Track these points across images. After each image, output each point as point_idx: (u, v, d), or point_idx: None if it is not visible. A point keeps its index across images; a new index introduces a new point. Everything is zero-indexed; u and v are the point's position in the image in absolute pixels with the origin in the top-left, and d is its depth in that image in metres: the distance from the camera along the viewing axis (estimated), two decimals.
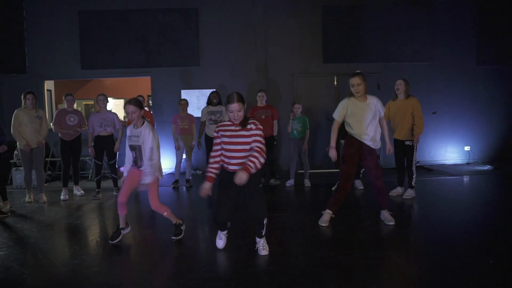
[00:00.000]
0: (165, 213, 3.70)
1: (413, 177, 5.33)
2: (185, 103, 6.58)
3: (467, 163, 8.50)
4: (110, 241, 3.70)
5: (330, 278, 2.87)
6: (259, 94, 6.41)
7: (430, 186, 6.29)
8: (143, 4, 7.92)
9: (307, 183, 6.39)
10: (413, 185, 5.36)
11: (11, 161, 7.19)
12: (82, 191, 6.12)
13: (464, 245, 3.53)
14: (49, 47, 7.97)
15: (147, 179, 3.45)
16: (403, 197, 5.38)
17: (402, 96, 5.25)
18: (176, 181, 6.62)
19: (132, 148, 3.57)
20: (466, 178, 6.94)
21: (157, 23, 7.94)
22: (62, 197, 5.83)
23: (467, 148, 8.56)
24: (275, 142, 6.57)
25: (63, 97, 6.06)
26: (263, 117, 6.25)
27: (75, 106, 11.00)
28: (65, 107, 6.03)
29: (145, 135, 3.44)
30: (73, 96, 6.12)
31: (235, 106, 3.00)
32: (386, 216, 4.16)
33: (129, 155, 3.64)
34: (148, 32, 7.95)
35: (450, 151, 8.59)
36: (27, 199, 5.65)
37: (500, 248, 3.41)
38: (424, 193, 5.73)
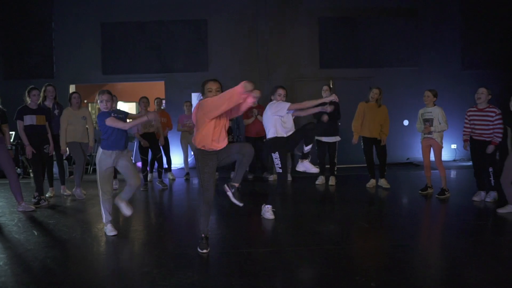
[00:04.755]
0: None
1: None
2: (190, 104, 7.54)
3: (454, 160, 9.24)
4: None
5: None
6: None
7: (408, 179, 7.08)
8: (158, 17, 8.86)
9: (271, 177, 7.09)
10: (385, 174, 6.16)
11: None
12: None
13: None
14: (74, 55, 8.93)
15: None
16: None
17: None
18: (187, 174, 7.55)
19: None
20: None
21: (171, 33, 8.87)
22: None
23: (453, 146, 9.30)
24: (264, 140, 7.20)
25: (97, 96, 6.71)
26: (258, 117, 6.94)
27: (89, 108, 11.85)
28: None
29: None
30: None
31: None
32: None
33: None
34: (163, 41, 8.88)
35: None
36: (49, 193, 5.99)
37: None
38: (400, 184, 6.57)
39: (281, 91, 4.54)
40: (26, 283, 2.82)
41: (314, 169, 4.58)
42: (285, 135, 4.44)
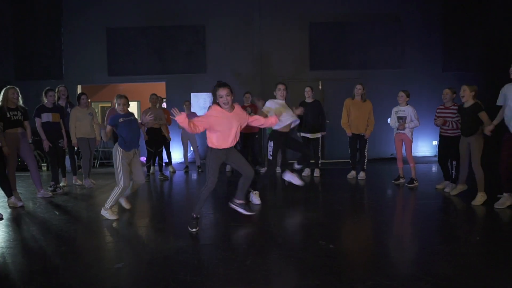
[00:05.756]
0: None
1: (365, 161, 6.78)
2: (189, 103, 8.38)
3: (435, 156, 9.92)
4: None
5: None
6: (245, 95, 7.89)
7: (387, 171, 7.76)
8: (160, 22, 9.55)
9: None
10: (365, 168, 6.83)
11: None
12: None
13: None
14: (82, 57, 9.62)
15: None
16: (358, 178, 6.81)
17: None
18: (187, 167, 8.22)
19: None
20: (420, 165, 8.39)
21: (171, 38, 9.57)
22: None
23: (434, 142, 9.98)
24: (256, 136, 7.83)
25: (115, 99, 7.43)
26: (252, 114, 7.62)
27: (93, 106, 12.48)
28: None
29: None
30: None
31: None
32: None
33: None
34: (164, 45, 9.57)
35: (420, 145, 10.02)
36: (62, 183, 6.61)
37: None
38: (378, 175, 7.31)
39: (280, 86, 5.03)
40: (59, 245, 3.53)
41: (299, 182, 5.18)
42: (278, 129, 5.02)
